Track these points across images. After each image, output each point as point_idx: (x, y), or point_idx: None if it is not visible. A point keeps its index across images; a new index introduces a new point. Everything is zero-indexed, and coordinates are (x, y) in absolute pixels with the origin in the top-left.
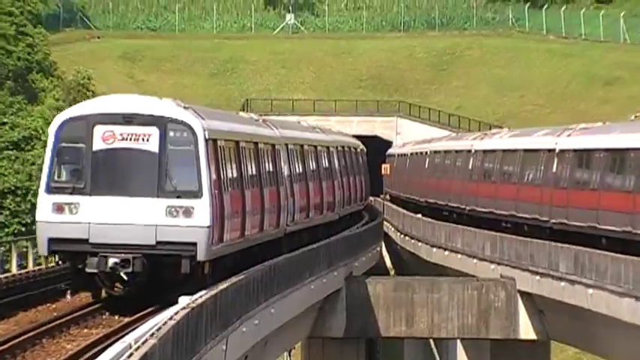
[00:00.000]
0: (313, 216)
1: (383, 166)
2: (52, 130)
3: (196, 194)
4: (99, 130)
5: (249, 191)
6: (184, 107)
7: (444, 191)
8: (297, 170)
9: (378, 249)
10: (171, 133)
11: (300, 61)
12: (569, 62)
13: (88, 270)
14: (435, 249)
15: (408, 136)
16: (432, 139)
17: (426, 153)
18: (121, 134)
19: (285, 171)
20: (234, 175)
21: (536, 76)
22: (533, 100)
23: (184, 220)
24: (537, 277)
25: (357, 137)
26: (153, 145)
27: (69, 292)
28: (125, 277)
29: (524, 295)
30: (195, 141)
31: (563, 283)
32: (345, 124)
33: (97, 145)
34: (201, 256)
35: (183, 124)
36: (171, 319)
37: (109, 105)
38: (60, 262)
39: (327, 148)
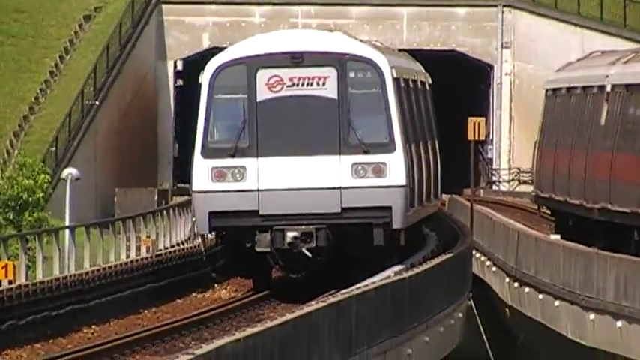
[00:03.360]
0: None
1: (472, 121)
2: (205, 79)
3: (388, 147)
4: (263, 76)
5: (422, 146)
6: (360, 40)
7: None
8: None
9: (460, 315)
10: (352, 74)
11: None
12: None
13: (258, 248)
14: (591, 314)
15: (531, 51)
16: (605, 54)
17: (586, 90)
18: (291, 79)
19: (433, 120)
20: (414, 123)
21: None
22: None
23: (375, 180)
24: None
25: (410, 55)
26: (331, 90)
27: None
28: (308, 254)
29: None
30: (382, 81)
31: None
32: (383, 26)
33: (262, 94)
34: (397, 223)
35: (367, 61)
36: None
37: (273, 43)
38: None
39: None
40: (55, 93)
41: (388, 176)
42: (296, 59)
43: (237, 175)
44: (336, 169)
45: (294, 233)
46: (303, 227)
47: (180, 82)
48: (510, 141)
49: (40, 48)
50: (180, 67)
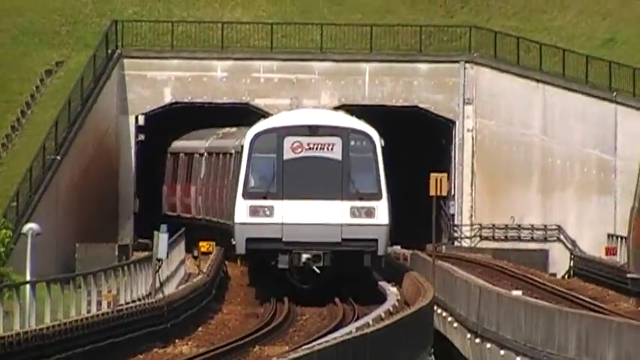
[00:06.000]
0: None
1: (434, 177)
2: (246, 142)
3: (377, 196)
4: (288, 141)
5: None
6: (356, 117)
7: None
8: None
9: None
10: (353, 142)
11: None
12: None
13: (280, 266)
14: None
15: (493, 107)
16: None
17: None
18: (308, 144)
19: None
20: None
21: None
22: None
23: (366, 219)
24: None
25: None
26: (337, 153)
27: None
28: (317, 271)
29: None
30: (373, 148)
31: None
32: (345, 81)
33: (287, 154)
34: (381, 251)
35: (363, 133)
36: None
37: (296, 118)
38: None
39: None
40: (17, 147)
41: (376, 217)
42: (313, 130)
43: (267, 212)
44: (339, 211)
45: (308, 255)
46: (314, 251)
47: (141, 136)
48: (472, 197)
49: (2, 102)
50: (141, 121)
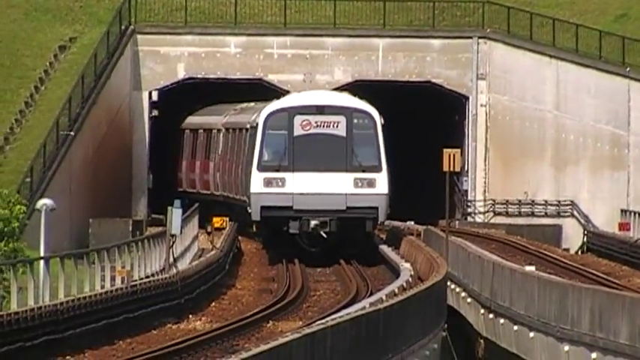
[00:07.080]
0: None
1: (447, 153)
2: (260, 120)
3: (377, 169)
4: (298, 119)
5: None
6: (359, 97)
7: None
8: None
9: (436, 346)
10: (356, 120)
11: None
12: None
13: (291, 231)
14: (566, 345)
15: (506, 83)
16: None
17: None
18: (316, 122)
19: None
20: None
21: None
22: None
23: (368, 189)
24: None
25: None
26: (341, 130)
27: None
28: (325, 236)
29: None
30: (374, 126)
31: None
32: (359, 57)
33: (298, 131)
34: (381, 217)
35: (365, 112)
36: None
37: (305, 99)
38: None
39: None
40: (30, 123)
41: (377, 187)
42: (320, 109)
43: (280, 183)
44: (344, 181)
45: (316, 222)
46: (321, 218)
47: (155, 112)
48: (485, 172)
49: (15, 78)
50: (155, 97)
